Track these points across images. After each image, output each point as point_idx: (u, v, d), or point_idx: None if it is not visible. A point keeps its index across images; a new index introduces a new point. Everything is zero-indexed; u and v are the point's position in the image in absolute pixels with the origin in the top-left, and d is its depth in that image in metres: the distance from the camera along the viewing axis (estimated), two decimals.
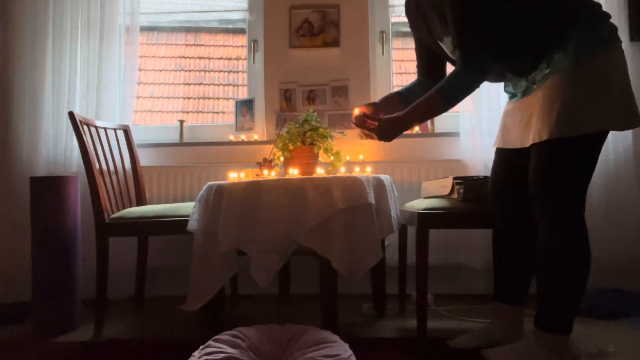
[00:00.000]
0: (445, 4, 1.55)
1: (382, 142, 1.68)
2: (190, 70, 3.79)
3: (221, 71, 3.84)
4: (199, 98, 3.76)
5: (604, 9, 2.36)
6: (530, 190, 1.53)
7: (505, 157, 1.72)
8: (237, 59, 3.81)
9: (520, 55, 1.56)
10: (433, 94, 1.57)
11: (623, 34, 2.40)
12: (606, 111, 1.43)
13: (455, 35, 1.54)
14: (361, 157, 2.60)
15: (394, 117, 1.61)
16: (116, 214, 2.12)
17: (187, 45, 3.84)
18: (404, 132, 1.65)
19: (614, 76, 1.45)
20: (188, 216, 1.95)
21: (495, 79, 1.73)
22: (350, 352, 1.40)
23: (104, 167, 2.24)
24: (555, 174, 1.48)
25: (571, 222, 1.48)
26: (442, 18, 1.59)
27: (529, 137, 1.53)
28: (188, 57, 3.80)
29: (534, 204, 1.53)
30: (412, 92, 1.81)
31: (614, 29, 1.50)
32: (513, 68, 1.62)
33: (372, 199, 1.79)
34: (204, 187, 1.90)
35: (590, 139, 1.44)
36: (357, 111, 1.69)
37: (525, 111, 1.58)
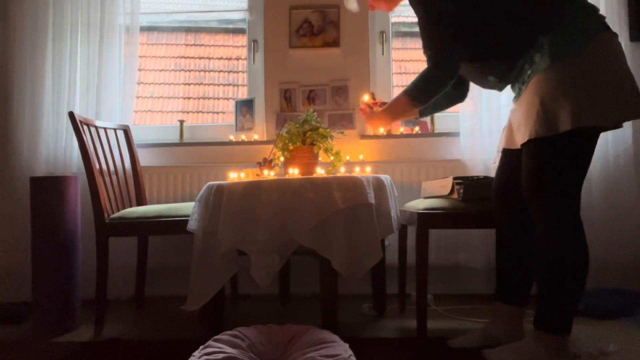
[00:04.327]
0: (415, 9, 1.64)
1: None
2: (190, 70, 3.79)
3: (221, 71, 3.84)
4: (199, 98, 3.76)
5: (604, 9, 2.40)
6: (523, 192, 1.55)
7: (507, 157, 1.72)
8: (237, 59, 3.81)
9: (494, 59, 1.60)
10: (403, 96, 1.71)
11: (623, 33, 2.41)
12: (582, 107, 1.40)
13: (422, 37, 1.63)
14: (361, 157, 2.60)
15: (376, 112, 1.83)
16: (116, 214, 2.12)
17: (187, 45, 3.84)
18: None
19: (593, 71, 1.43)
20: (188, 216, 1.95)
21: (477, 82, 1.77)
22: (350, 352, 1.40)
23: (104, 167, 2.24)
24: (541, 174, 1.49)
25: (565, 222, 1.48)
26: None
27: (520, 137, 1.55)
28: (188, 57, 3.79)
29: (528, 205, 1.54)
30: None
31: (595, 23, 1.48)
32: (490, 71, 1.65)
33: (372, 199, 1.79)
34: (204, 187, 1.90)
35: (571, 137, 1.43)
36: (366, 97, 2.00)
37: (518, 112, 1.60)
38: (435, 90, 1.67)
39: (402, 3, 1.84)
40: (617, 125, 1.55)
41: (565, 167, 1.46)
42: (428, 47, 1.63)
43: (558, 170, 1.47)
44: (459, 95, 1.96)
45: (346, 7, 1.93)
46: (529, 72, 1.52)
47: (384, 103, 1.93)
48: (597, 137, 1.49)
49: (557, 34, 1.46)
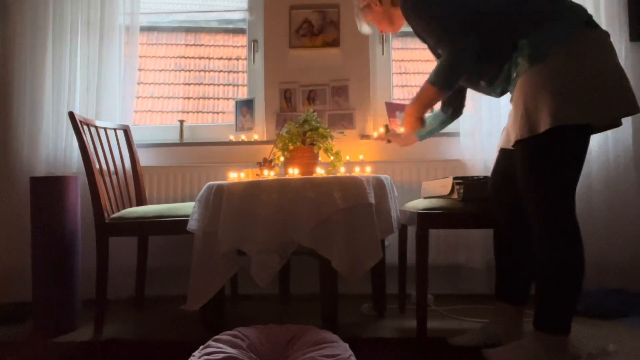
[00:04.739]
0: (413, 19, 1.68)
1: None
2: (190, 70, 3.79)
3: (221, 71, 3.84)
4: (199, 98, 3.76)
5: (604, 9, 2.40)
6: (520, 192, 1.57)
7: (504, 156, 1.73)
8: (237, 59, 3.81)
9: (482, 62, 1.61)
10: (427, 86, 1.66)
11: (623, 34, 2.41)
12: (560, 106, 1.41)
13: (431, 36, 1.65)
14: (361, 157, 2.60)
15: (406, 109, 1.78)
16: (116, 214, 2.12)
17: (187, 45, 3.84)
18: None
19: (572, 70, 1.43)
20: (188, 216, 1.95)
21: (473, 87, 1.80)
22: (350, 352, 1.40)
23: (104, 167, 2.24)
24: (531, 174, 1.50)
25: (560, 222, 1.48)
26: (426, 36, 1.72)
27: (512, 139, 1.58)
28: (188, 57, 3.79)
29: (525, 205, 1.56)
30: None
31: (575, 22, 1.49)
32: (480, 75, 1.67)
33: (372, 198, 1.79)
34: (204, 187, 1.91)
35: (554, 136, 1.43)
36: (375, 134, 2.13)
37: (511, 114, 1.62)
38: (458, 73, 1.63)
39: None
40: (612, 122, 1.55)
41: (554, 167, 1.47)
42: (440, 40, 1.63)
43: (548, 171, 1.47)
44: (451, 117, 2.04)
45: (360, 31, 2.01)
46: (514, 75, 1.56)
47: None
48: (585, 135, 1.48)
49: (537, 36, 1.49)
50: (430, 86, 1.65)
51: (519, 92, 1.52)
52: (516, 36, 1.52)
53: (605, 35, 1.51)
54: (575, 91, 1.42)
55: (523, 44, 1.50)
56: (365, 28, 1.98)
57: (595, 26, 1.51)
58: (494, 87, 1.69)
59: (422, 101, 1.72)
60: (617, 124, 1.56)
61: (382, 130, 2.09)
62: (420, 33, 1.74)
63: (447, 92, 1.69)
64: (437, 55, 1.80)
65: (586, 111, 1.42)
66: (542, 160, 1.47)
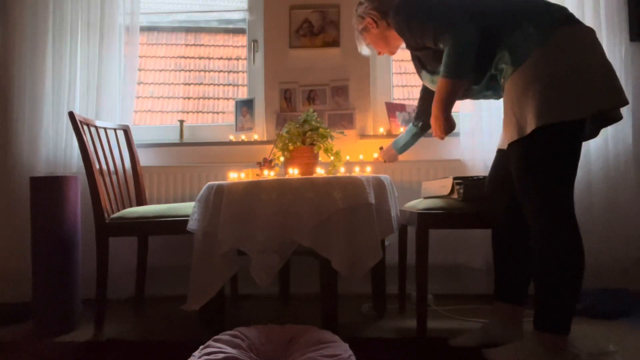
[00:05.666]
0: (412, 30, 1.68)
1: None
2: (190, 70, 3.79)
3: (221, 71, 3.84)
4: (199, 98, 3.76)
5: (604, 9, 2.40)
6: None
7: (501, 157, 1.74)
8: (237, 59, 3.82)
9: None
10: (442, 81, 1.64)
11: (623, 34, 2.41)
12: (543, 105, 1.43)
13: (429, 33, 1.63)
14: (361, 157, 2.60)
15: (432, 114, 1.74)
16: (116, 214, 2.12)
17: (187, 45, 3.85)
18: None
19: (552, 70, 1.45)
20: (188, 216, 1.95)
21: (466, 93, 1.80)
22: (350, 352, 1.40)
23: (104, 167, 2.24)
24: (525, 175, 1.51)
25: (558, 222, 1.48)
26: (425, 49, 1.71)
27: (506, 142, 1.60)
28: (188, 57, 3.80)
29: (522, 205, 1.57)
30: (400, 138, 2.17)
31: (549, 21, 1.49)
32: (469, 80, 1.69)
33: (372, 198, 1.79)
34: (204, 187, 1.90)
35: (543, 136, 1.45)
36: (375, 155, 2.33)
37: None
38: (467, 55, 1.58)
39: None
40: (608, 116, 1.55)
41: (547, 166, 1.47)
42: (439, 33, 1.60)
43: (541, 170, 1.48)
44: (421, 130, 2.11)
45: (360, 53, 2.07)
46: (502, 80, 1.59)
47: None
48: (574, 131, 1.47)
49: (515, 40, 1.52)
50: (445, 80, 1.62)
51: (506, 96, 1.56)
52: (498, 41, 1.55)
53: (588, 30, 1.52)
54: (557, 89, 1.44)
55: (505, 48, 1.53)
56: (365, 50, 2.04)
57: (576, 23, 1.52)
58: (485, 91, 1.72)
59: (442, 98, 1.66)
60: (615, 117, 1.55)
61: (375, 155, 2.31)
62: (418, 41, 1.71)
63: (463, 81, 1.63)
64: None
65: (569, 108, 1.43)
66: (534, 161, 1.49)
